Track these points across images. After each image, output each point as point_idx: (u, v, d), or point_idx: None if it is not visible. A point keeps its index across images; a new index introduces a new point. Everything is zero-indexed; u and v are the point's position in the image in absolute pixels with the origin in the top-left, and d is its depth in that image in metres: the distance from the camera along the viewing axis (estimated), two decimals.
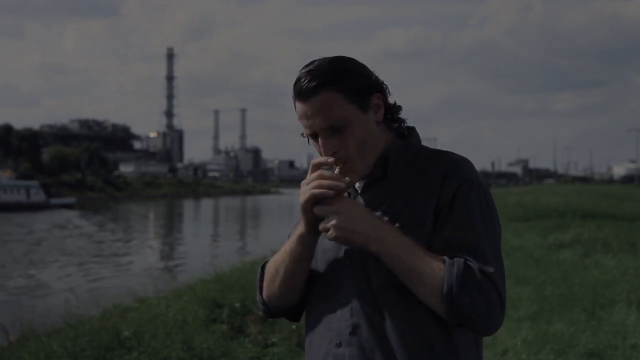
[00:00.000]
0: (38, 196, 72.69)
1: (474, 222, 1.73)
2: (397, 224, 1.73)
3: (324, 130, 1.75)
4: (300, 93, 1.76)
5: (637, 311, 7.70)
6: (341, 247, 1.81)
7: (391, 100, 1.87)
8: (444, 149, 1.88)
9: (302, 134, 1.84)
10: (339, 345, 1.78)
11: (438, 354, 1.72)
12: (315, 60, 1.80)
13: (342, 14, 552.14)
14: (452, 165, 1.78)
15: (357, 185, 1.87)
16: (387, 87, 1.85)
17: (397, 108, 1.88)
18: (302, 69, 1.79)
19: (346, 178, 1.75)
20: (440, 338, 1.72)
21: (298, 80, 1.77)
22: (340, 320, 1.78)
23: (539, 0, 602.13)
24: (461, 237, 1.71)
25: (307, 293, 1.91)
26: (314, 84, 1.74)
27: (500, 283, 1.69)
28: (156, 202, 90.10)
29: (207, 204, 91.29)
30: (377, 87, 1.82)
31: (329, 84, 1.74)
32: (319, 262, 1.87)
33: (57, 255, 27.14)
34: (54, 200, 73.40)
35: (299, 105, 1.77)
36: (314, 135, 1.78)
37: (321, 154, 1.79)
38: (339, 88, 1.75)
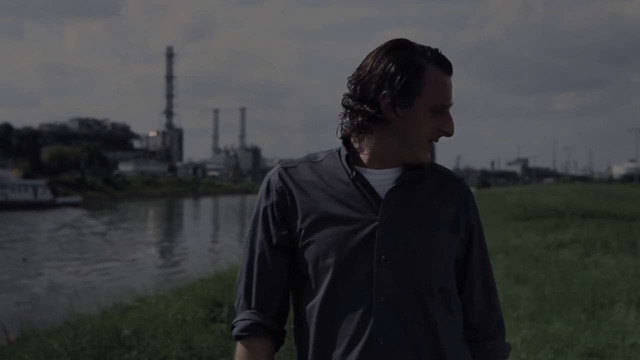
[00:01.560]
0: (45, 195, 74.29)
1: (484, 241, 1.97)
2: (428, 230, 1.82)
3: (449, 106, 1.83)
4: (448, 66, 1.81)
5: (636, 311, 7.71)
6: (365, 243, 1.76)
7: None
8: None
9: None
10: (383, 344, 1.74)
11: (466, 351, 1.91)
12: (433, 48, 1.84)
13: (342, 14, 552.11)
14: (465, 186, 1.95)
15: (369, 178, 1.82)
16: None
17: None
18: (424, 46, 1.82)
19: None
20: (462, 326, 1.91)
21: (440, 53, 1.81)
22: (380, 317, 1.74)
23: (538, 0, 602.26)
24: (484, 263, 1.96)
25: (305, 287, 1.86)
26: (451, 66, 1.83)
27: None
28: (156, 202, 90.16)
29: (206, 203, 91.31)
30: None
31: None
32: (331, 258, 1.78)
33: (60, 254, 27.20)
34: (60, 199, 75.08)
35: (443, 76, 1.80)
36: (438, 108, 1.79)
37: (432, 129, 1.81)
38: None
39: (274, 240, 1.86)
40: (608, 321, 7.32)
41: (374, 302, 1.75)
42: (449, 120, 1.81)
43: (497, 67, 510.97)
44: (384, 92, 1.76)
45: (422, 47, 1.80)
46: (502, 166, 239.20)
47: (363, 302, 1.75)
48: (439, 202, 1.85)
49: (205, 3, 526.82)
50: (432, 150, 1.83)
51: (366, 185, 1.81)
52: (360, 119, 1.80)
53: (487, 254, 1.95)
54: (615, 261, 11.65)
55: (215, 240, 35.26)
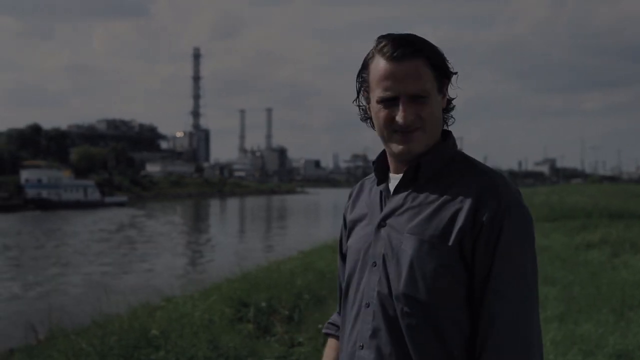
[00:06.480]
0: (94, 195, 78.19)
1: (514, 266, 1.69)
2: (417, 236, 1.71)
3: (408, 97, 1.73)
4: (395, 53, 1.72)
5: None
6: (369, 247, 1.81)
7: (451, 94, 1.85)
8: (475, 159, 1.85)
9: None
10: (362, 347, 1.78)
11: None
12: (399, 33, 1.78)
13: (368, 14, 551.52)
14: (481, 187, 1.72)
15: (390, 186, 1.85)
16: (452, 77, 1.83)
17: (451, 104, 1.86)
18: (387, 35, 1.78)
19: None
20: (459, 350, 1.69)
21: (391, 40, 1.75)
22: (363, 322, 1.78)
23: None
24: (504, 291, 1.66)
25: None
26: (412, 48, 1.72)
27: None
28: (182, 202, 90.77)
29: (233, 203, 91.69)
30: (448, 74, 1.80)
31: (425, 54, 1.74)
32: (350, 262, 1.88)
33: (94, 253, 27.48)
34: (108, 199, 79.15)
35: (387, 65, 1.73)
36: (389, 100, 1.74)
37: (383, 120, 1.77)
38: (430, 61, 1.74)
39: (342, 249, 2.05)
40: (637, 322, 7.23)
41: (362, 306, 1.80)
42: (402, 110, 1.72)
43: (524, 66, 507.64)
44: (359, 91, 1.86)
45: (384, 36, 1.78)
46: (530, 166, 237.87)
47: (357, 306, 1.83)
48: (436, 209, 1.72)
49: (232, 3, 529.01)
50: (410, 141, 1.75)
51: (385, 190, 1.87)
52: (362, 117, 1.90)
53: (516, 281, 1.67)
54: None
55: (242, 240, 35.40)
